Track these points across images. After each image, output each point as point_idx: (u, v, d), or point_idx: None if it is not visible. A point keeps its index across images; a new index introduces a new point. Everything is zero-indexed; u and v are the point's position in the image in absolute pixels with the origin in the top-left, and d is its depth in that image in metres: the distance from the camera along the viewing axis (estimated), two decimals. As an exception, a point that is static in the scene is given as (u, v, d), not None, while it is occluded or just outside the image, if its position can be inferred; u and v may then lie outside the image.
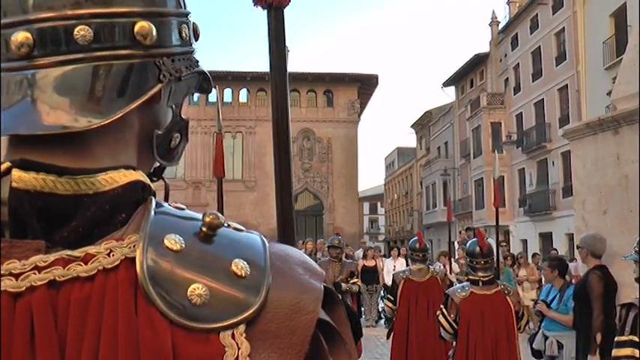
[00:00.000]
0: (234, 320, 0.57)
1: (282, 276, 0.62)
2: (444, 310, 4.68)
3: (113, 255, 0.59)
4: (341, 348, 0.63)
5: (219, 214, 0.63)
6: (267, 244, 0.65)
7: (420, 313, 6.38)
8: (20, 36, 0.64)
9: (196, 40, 0.78)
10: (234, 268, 0.60)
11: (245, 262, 0.61)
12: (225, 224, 0.65)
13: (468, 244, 5.12)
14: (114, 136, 0.68)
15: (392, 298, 6.70)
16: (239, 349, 0.56)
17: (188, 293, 0.57)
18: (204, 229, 0.62)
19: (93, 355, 0.55)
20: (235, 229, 0.66)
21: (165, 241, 0.60)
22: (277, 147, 1.33)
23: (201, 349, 0.56)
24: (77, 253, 0.59)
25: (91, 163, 0.64)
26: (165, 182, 0.82)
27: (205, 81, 0.80)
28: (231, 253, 0.62)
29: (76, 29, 0.65)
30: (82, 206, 0.61)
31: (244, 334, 0.57)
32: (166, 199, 0.78)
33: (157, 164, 0.77)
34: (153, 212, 0.63)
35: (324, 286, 0.64)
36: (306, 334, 0.59)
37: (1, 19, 0.66)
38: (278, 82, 1.33)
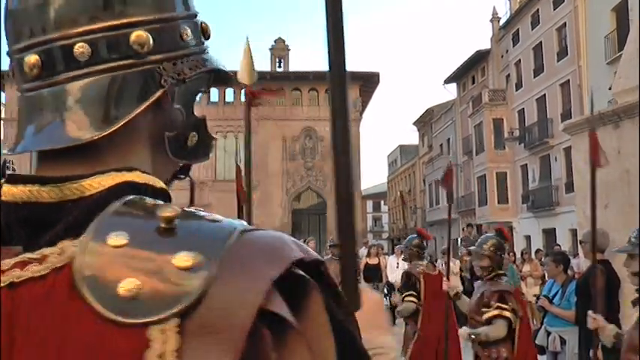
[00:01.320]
0: (165, 314, 0.55)
1: (231, 268, 0.58)
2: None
3: (64, 254, 0.60)
4: (295, 342, 0.59)
5: (177, 208, 0.62)
6: (235, 235, 0.61)
7: (441, 307, 5.85)
8: (32, 58, 0.72)
9: (207, 39, 0.83)
10: (176, 261, 0.58)
11: (193, 254, 0.58)
12: (208, 215, 0.65)
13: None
14: (124, 141, 0.73)
15: (415, 294, 6.25)
16: (167, 344, 0.55)
17: (119, 287, 0.56)
18: (162, 224, 0.61)
19: (37, 355, 0.56)
20: (213, 220, 0.64)
21: (108, 239, 0.60)
22: (335, 148, 1.13)
23: (129, 344, 0.55)
24: (35, 254, 0.61)
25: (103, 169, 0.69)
26: (191, 180, 0.88)
27: (219, 77, 0.85)
28: (180, 245, 0.59)
29: (76, 47, 0.70)
30: (66, 211, 0.65)
31: (177, 329, 0.55)
32: (192, 197, 0.89)
33: (181, 164, 0.83)
34: (112, 210, 0.63)
35: (299, 274, 0.61)
36: (245, 328, 0.55)
37: (16, 44, 0.73)
38: (336, 79, 1.12)
